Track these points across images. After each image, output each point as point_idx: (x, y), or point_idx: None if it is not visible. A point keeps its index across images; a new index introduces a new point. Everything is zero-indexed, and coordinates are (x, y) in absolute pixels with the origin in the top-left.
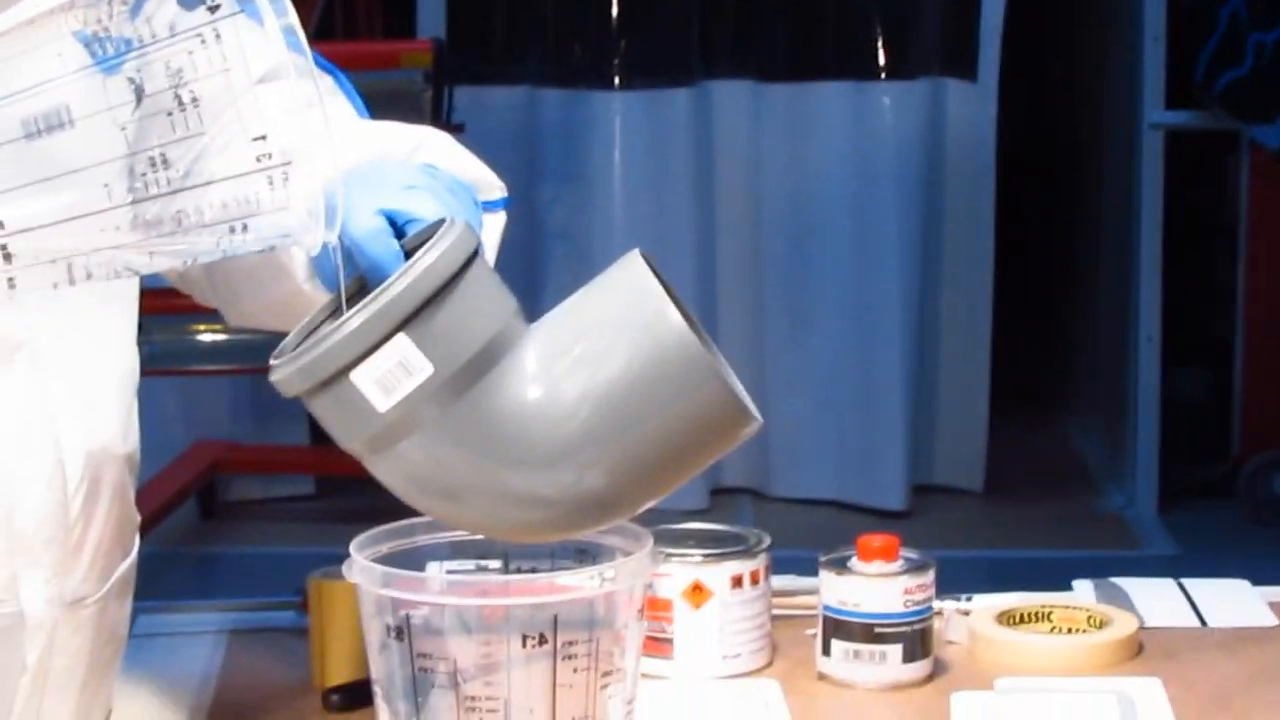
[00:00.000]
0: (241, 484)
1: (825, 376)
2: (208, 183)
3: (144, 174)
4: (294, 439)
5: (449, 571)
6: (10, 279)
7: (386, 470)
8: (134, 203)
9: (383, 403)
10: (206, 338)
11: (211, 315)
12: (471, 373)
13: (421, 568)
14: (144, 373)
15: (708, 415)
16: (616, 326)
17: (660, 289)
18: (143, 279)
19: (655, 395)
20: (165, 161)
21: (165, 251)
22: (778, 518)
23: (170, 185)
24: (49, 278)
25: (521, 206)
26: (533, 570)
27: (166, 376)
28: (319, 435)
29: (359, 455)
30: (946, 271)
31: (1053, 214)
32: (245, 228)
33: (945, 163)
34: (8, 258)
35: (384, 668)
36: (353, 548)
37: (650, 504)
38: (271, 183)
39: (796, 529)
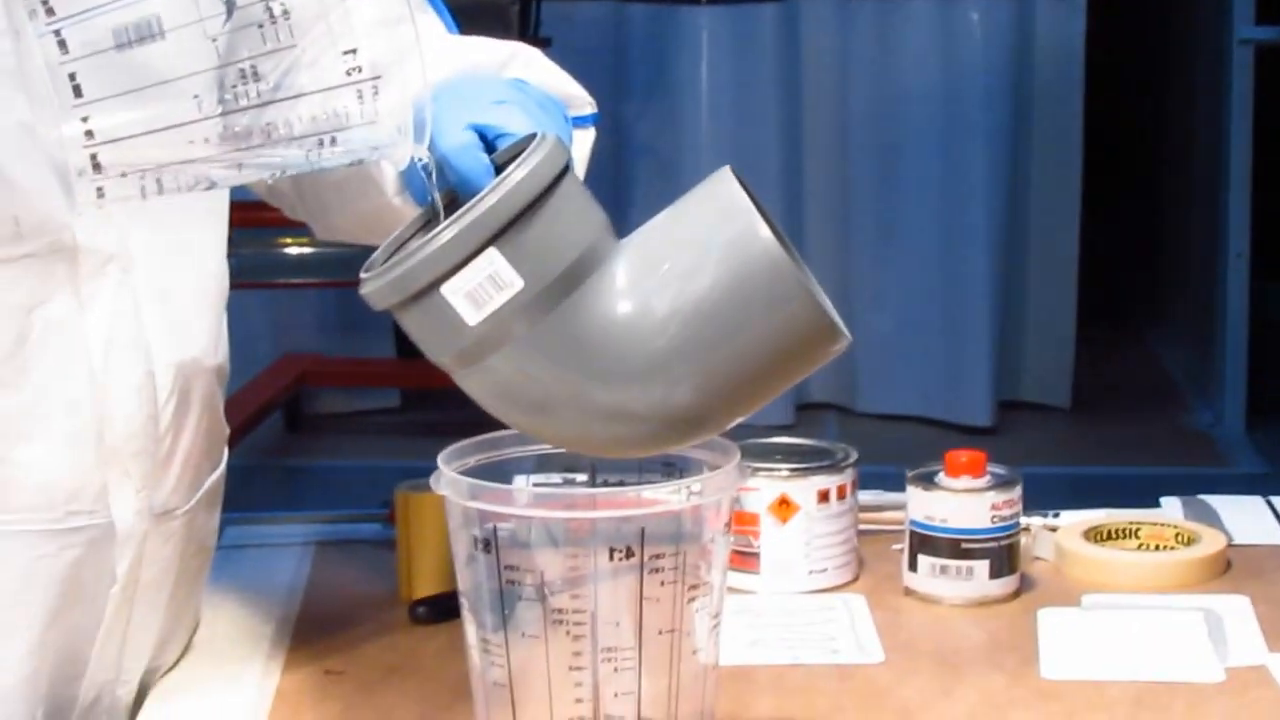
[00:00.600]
0: (327, 397)
1: (911, 292)
2: (297, 96)
3: (234, 86)
4: (380, 352)
5: (536, 485)
6: (99, 188)
7: (475, 384)
8: (224, 115)
9: (473, 316)
10: (294, 251)
11: (299, 228)
12: (561, 287)
13: (508, 481)
14: (232, 286)
15: (796, 331)
16: (707, 242)
17: (751, 205)
18: (232, 192)
19: (744, 311)
20: (255, 74)
21: (254, 164)
22: (863, 434)
23: (260, 98)
24: (137, 188)
25: (608, 122)
26: (620, 484)
27: (254, 290)
28: (405, 348)
29: (448, 369)
30: (1034, 187)
31: (1141, 130)
32: (334, 141)
33: (1033, 78)
34: (97, 167)
35: (471, 580)
36: (441, 460)
37: (738, 420)
38: (361, 97)
39: (882, 445)
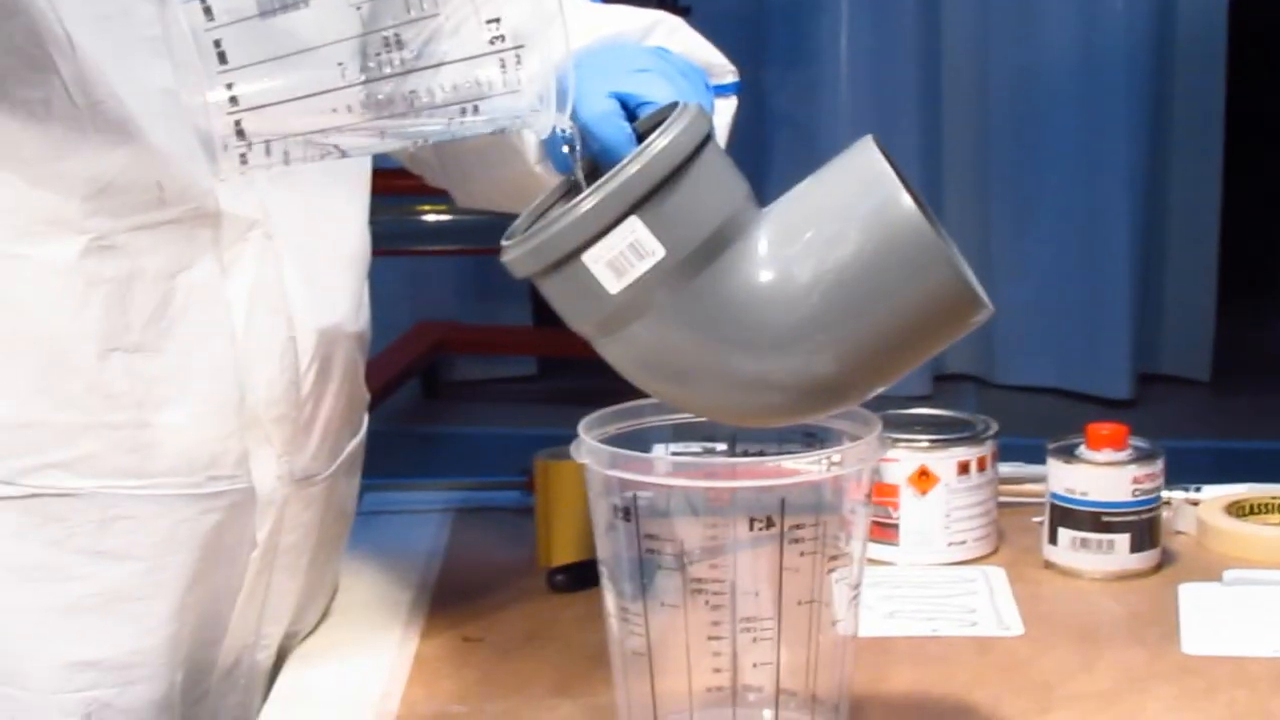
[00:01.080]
0: (465, 364)
1: (1051, 263)
2: (439, 64)
3: (377, 54)
4: (517, 319)
5: (675, 454)
6: (242, 155)
7: (616, 352)
8: (367, 82)
9: (614, 285)
10: (432, 218)
11: (439, 196)
12: (703, 256)
13: (648, 449)
14: (372, 253)
15: (938, 301)
16: (849, 211)
17: (894, 174)
18: (373, 159)
19: (886, 280)
20: (398, 42)
21: (396, 132)
22: (1001, 405)
23: (403, 65)
24: (280, 155)
25: (748, 91)
26: (760, 453)
27: (392, 257)
28: (542, 315)
29: (589, 337)
30: (1174, 155)
31: None
32: (476, 110)
33: (1174, 45)
34: (241, 134)
35: (610, 548)
36: (581, 428)
37: (878, 390)
38: (504, 66)
39: (1020, 417)
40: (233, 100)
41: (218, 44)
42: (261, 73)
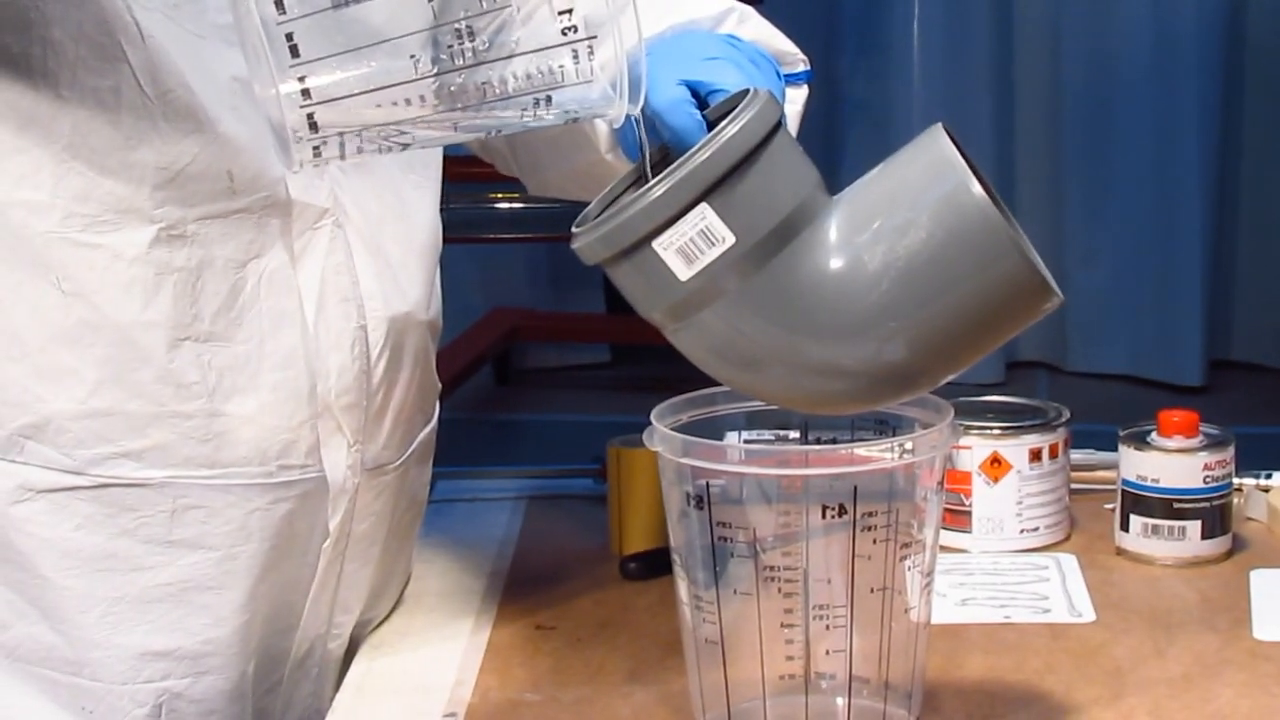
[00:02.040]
0: (537, 351)
1: (1123, 250)
2: (511, 55)
3: (450, 45)
4: (590, 307)
5: (748, 441)
6: (316, 148)
7: (687, 339)
8: (439, 74)
9: (684, 271)
10: (505, 206)
11: (511, 184)
12: (773, 243)
13: (720, 437)
14: (444, 240)
15: (1008, 289)
16: (919, 199)
17: (963, 163)
18: (445, 146)
19: (957, 268)
20: (470, 33)
21: (469, 124)
22: (1073, 392)
23: (475, 57)
24: (354, 148)
25: (820, 78)
26: (832, 441)
27: (466, 244)
28: (614, 303)
29: (659, 324)
30: (1246, 143)
31: None
32: (549, 100)
33: (1246, 30)
34: (314, 126)
35: (683, 536)
36: (653, 416)
37: (949, 377)
38: (576, 56)
39: (1092, 403)
40: (305, 93)
41: (290, 37)
42: (334, 65)
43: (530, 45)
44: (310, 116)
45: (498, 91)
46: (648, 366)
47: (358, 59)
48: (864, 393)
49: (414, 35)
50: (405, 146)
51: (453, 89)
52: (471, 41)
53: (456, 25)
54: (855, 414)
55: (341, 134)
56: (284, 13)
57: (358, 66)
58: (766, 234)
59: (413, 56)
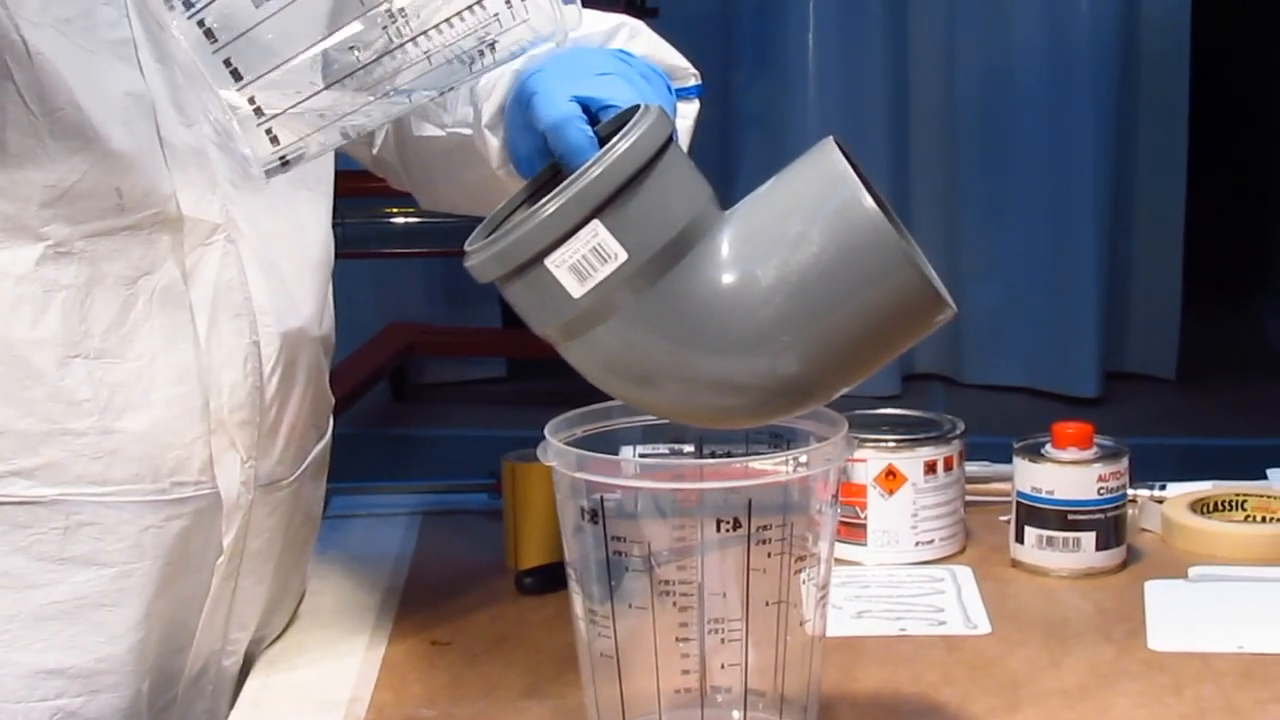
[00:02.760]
0: (434, 366)
1: (1018, 263)
2: (449, 17)
3: (384, 27)
4: (486, 321)
5: (643, 455)
6: (283, 159)
7: (580, 356)
8: (383, 55)
9: (577, 289)
10: (400, 221)
11: (406, 198)
12: (666, 259)
13: (615, 452)
14: (338, 255)
15: (902, 302)
16: (811, 213)
17: (854, 175)
18: (338, 161)
19: (849, 281)
20: (402, 11)
21: (424, 89)
22: (969, 404)
23: (412, 30)
24: (318, 146)
25: (715, 93)
26: (727, 455)
27: (361, 259)
28: (511, 318)
29: (553, 341)
30: (1140, 156)
31: (1248, 97)
32: (493, 48)
33: (1140, 45)
34: (275, 140)
35: (578, 551)
36: (548, 430)
37: (844, 390)
38: (509, 2)
39: (988, 415)
40: (258, 112)
41: (228, 63)
42: (278, 79)
43: (465, 2)
44: (270, 133)
45: (443, 55)
46: (543, 381)
47: (300, 67)
48: (758, 407)
49: (348, 26)
50: (366, 129)
51: (399, 64)
52: (404, 17)
53: (388, 7)
54: (750, 428)
55: (304, 138)
56: (215, 41)
57: (301, 72)
58: (659, 250)
59: (353, 49)
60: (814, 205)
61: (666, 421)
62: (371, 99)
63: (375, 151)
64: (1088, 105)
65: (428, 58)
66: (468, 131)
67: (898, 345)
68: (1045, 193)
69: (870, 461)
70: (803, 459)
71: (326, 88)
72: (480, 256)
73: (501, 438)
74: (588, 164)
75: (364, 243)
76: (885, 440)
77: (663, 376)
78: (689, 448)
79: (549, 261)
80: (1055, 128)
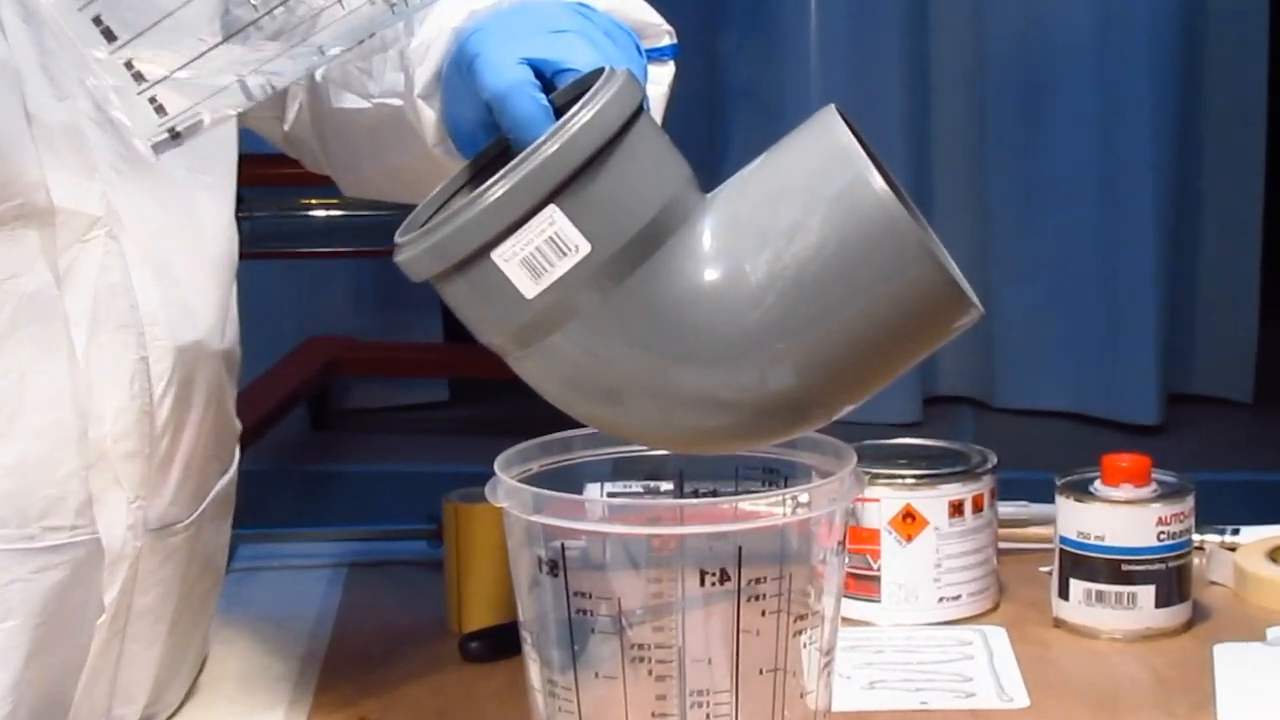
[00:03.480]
0: (361, 388)
1: (1062, 264)
2: None
3: None
4: (425, 335)
5: (612, 494)
6: (172, 130)
7: (536, 369)
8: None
9: (531, 288)
10: (320, 213)
11: (325, 186)
12: (636, 251)
13: (579, 489)
14: (244, 254)
15: (917, 301)
16: (809, 196)
17: (861, 151)
18: (245, 143)
19: (855, 277)
20: None
21: (339, 36)
22: (1005, 432)
23: None
24: (210, 114)
25: (698, 57)
26: (713, 493)
27: (272, 260)
28: (454, 330)
29: (502, 352)
30: (1209, 137)
31: None
32: None
33: (1208, 8)
34: (161, 110)
35: (534, 609)
36: (498, 465)
37: (848, 408)
38: None
39: (1027, 446)
40: (138, 77)
41: (98, 20)
42: (160, 36)
43: None
44: (153, 100)
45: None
46: (493, 405)
47: (186, 20)
48: (747, 428)
49: None
50: (274, 88)
51: (305, 11)
52: None
53: None
54: (739, 457)
55: (195, 105)
56: None
57: (189, 27)
58: (628, 241)
59: (252, 4)
60: (813, 187)
61: (639, 452)
62: (276, 53)
63: (287, 128)
64: (1144, 74)
65: (341, 4)
66: (398, 102)
67: (912, 354)
68: (1093, 180)
69: (884, 501)
70: (803, 498)
71: (220, 43)
72: (413, 250)
73: (443, 474)
74: (542, 139)
75: (275, 239)
76: (902, 476)
77: (633, 392)
78: (667, 485)
79: (497, 255)
80: (1106, 101)
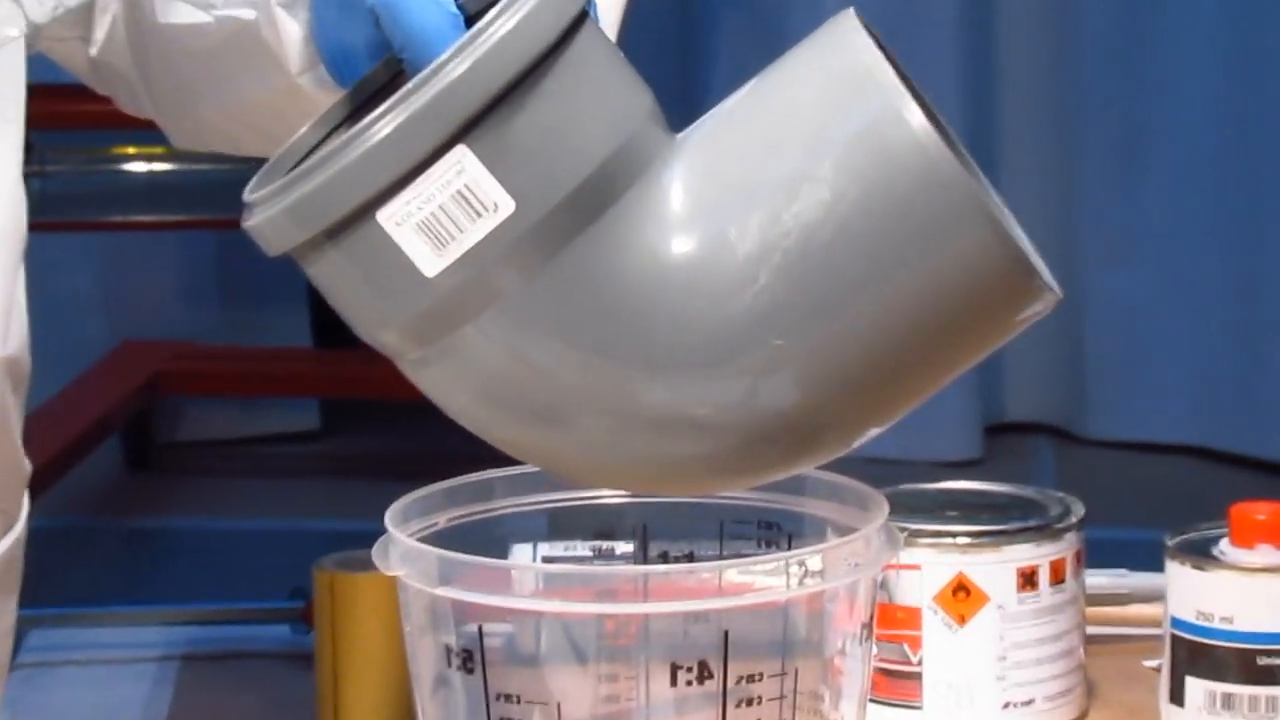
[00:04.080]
0: (197, 414)
1: (1177, 244)
2: None
3: None
4: (286, 339)
5: (549, 559)
6: None
7: (441, 379)
8: None
9: (433, 262)
10: (138, 168)
11: (147, 131)
12: (578, 213)
13: (504, 552)
14: (34, 225)
15: (967, 279)
16: (819, 136)
17: (891, 72)
18: (35, 71)
19: (881, 247)
20: None
21: None
22: (1092, 473)
23: None
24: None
25: None
26: (688, 557)
27: (74, 232)
28: (328, 331)
29: (394, 352)
30: None
31: None
32: None
33: None
34: None
35: (441, 717)
36: (390, 519)
37: (873, 433)
38: None
39: (1126, 493)
40: None
41: None
42: None
43: None
44: None
45: None
46: (381, 436)
47: None
48: (733, 460)
49: None
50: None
51: None
52: None
53: None
54: (724, 505)
55: None
56: None
57: None
58: (565, 198)
59: None
60: (824, 122)
61: (586, 499)
62: None
63: (95, 52)
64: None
65: None
66: (249, 13)
67: (961, 357)
68: (1212, 143)
69: (928, 569)
70: (814, 564)
71: None
72: (268, 211)
73: (313, 532)
74: (445, 56)
75: (77, 204)
76: (954, 533)
77: (576, 410)
78: (625, 546)
79: (385, 216)
80: (1233, 42)
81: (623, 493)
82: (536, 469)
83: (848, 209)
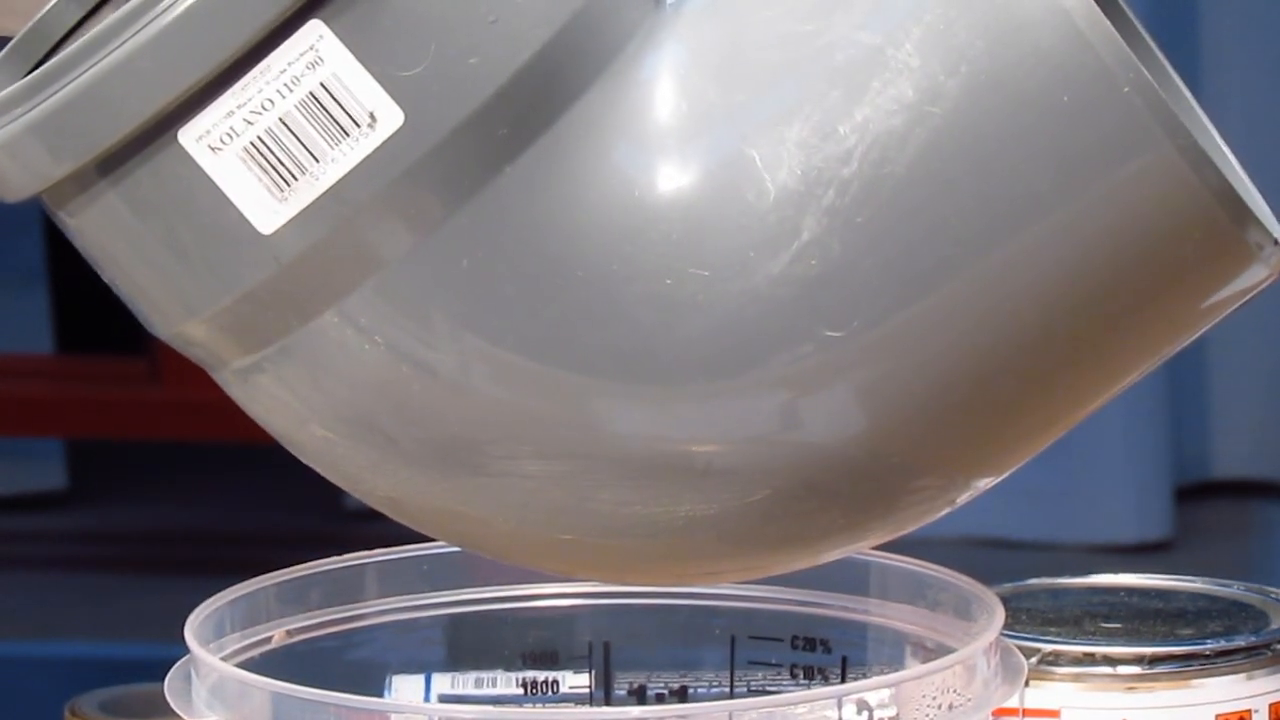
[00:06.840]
0: None
1: None
2: None
3: None
4: (21, 344)
5: (447, 699)
6: None
7: (282, 396)
8: None
9: (272, 209)
10: None
11: None
12: (505, 127)
13: (380, 685)
14: None
15: (1138, 224)
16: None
17: None
18: None
19: (1000, 177)
20: None
21: None
22: None
23: None
24: None
25: None
26: (678, 694)
27: None
28: (73, 335)
29: (209, 360)
30: None
31: None
32: None
33: None
34: None
35: None
36: (193, 633)
37: (982, 483)
38: None
39: None
40: None
41: None
42: None
43: None
44: None
45: None
46: (165, 499)
47: None
48: (751, 527)
49: None
50: None
51: None
52: None
53: None
54: (738, 605)
55: None
56: None
57: None
58: (486, 102)
59: None
60: None
61: (511, 597)
62: None
63: None
64: None
65: None
66: None
67: (1123, 357)
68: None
69: (1071, 715)
70: (878, 699)
71: None
72: (4, 129)
73: (62, 656)
74: None
75: None
76: (1114, 658)
77: (501, 445)
78: (576, 678)
79: (191, 137)
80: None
81: (574, 583)
82: (435, 544)
83: (944, 115)
